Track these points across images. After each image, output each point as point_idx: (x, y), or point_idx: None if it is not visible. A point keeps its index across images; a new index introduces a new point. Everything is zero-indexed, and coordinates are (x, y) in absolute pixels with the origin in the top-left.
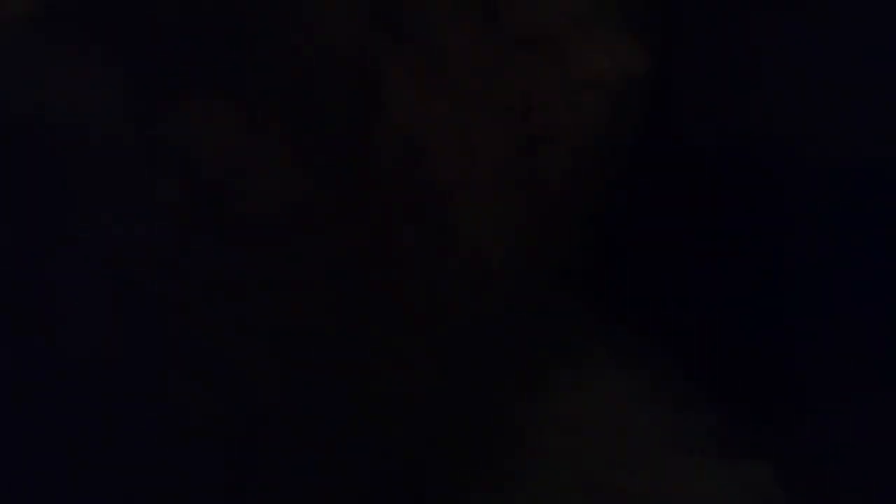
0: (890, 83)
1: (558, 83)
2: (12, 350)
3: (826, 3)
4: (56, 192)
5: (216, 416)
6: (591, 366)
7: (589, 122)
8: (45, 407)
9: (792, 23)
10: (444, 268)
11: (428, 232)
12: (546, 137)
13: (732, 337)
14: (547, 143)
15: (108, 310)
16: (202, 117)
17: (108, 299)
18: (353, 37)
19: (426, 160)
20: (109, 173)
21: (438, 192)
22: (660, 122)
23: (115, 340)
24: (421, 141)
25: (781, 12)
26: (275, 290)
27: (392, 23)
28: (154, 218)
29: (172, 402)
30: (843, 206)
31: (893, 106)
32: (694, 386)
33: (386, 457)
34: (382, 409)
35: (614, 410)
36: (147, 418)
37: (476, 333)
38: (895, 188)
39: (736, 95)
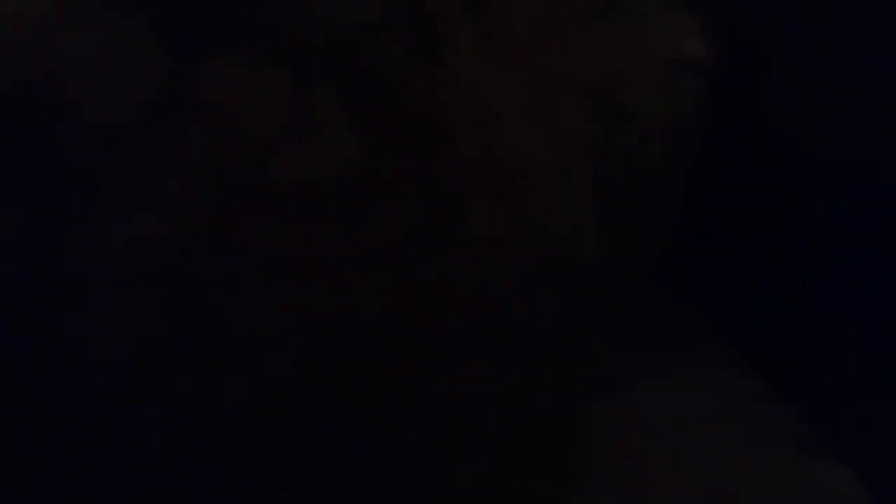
0: None
1: (649, 58)
2: (38, 332)
3: None
4: (89, 155)
5: (256, 404)
6: (668, 363)
7: (678, 102)
8: (72, 397)
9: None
10: (520, 255)
11: (500, 213)
12: (630, 113)
13: (812, 335)
14: (631, 119)
15: (138, 289)
16: (246, 79)
17: (138, 277)
18: None
19: (498, 131)
20: (145, 139)
21: (512, 167)
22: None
23: (145, 321)
24: (498, 114)
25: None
26: (324, 269)
27: None
28: (192, 186)
29: (204, 388)
30: None
31: None
32: (774, 385)
33: (446, 456)
34: (440, 407)
35: (692, 408)
36: (181, 409)
37: (553, 328)
38: None
39: (795, 87)
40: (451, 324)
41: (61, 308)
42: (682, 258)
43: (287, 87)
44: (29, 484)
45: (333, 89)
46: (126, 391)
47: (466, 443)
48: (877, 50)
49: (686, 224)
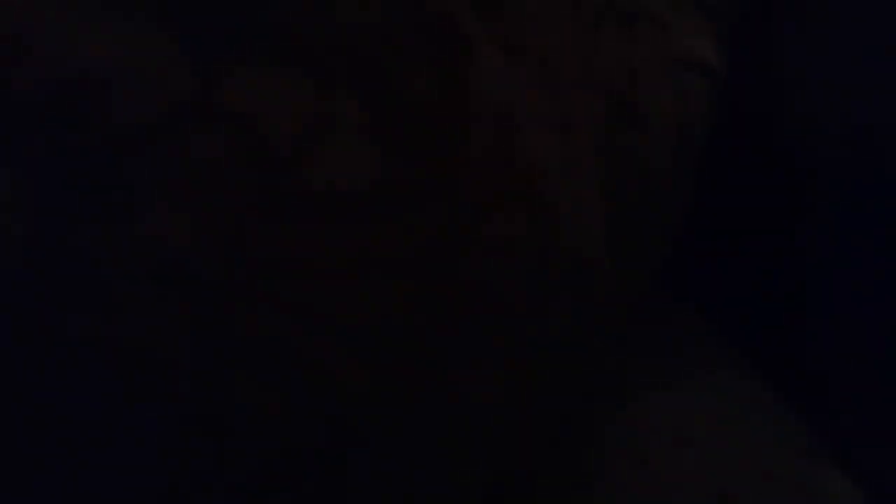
0: None
1: (660, 60)
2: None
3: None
4: (109, 157)
5: (271, 413)
6: (669, 365)
7: (688, 103)
8: (72, 397)
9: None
10: (542, 261)
11: (523, 220)
12: (641, 114)
13: (813, 336)
14: (642, 120)
15: (160, 297)
16: (267, 84)
17: (160, 284)
18: (439, 2)
19: (519, 138)
20: (166, 145)
21: (534, 174)
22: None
23: (166, 329)
24: (513, 117)
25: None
26: (347, 276)
27: None
28: (213, 193)
29: (221, 396)
30: None
31: None
32: (775, 387)
33: (446, 457)
34: (442, 408)
35: (693, 411)
36: (193, 416)
37: (573, 333)
38: None
39: (803, 90)
40: (459, 326)
41: (61, 308)
42: (683, 258)
43: (309, 92)
44: (29, 484)
45: (354, 95)
46: (126, 391)
47: (467, 444)
48: (877, 50)
49: (687, 223)
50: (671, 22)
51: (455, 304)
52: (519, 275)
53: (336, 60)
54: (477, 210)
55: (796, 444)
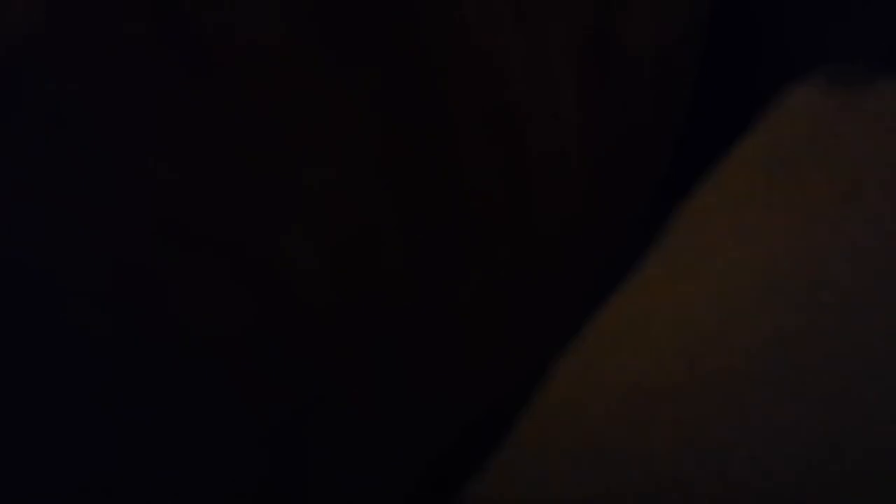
0: None
1: None
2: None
3: None
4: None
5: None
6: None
7: (668, 17)
8: (63, 390)
9: None
10: (522, 197)
11: (502, 154)
12: (623, 34)
13: None
14: (625, 42)
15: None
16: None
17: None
18: None
19: (491, 64)
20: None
21: (510, 103)
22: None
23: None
24: (483, 41)
25: None
26: (290, 139)
27: None
28: (171, 107)
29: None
30: None
31: None
32: None
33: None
34: (429, 363)
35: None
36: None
37: (557, 274)
38: None
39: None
40: (427, 201)
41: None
42: (684, 170)
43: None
44: (20, 477)
45: (319, 24)
46: (123, 382)
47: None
48: None
49: (688, 136)
50: None
51: (422, 178)
52: (491, 158)
53: None
54: (456, 140)
55: None
